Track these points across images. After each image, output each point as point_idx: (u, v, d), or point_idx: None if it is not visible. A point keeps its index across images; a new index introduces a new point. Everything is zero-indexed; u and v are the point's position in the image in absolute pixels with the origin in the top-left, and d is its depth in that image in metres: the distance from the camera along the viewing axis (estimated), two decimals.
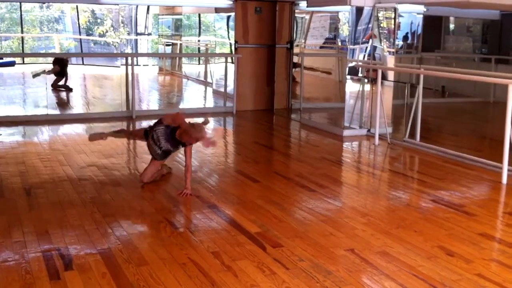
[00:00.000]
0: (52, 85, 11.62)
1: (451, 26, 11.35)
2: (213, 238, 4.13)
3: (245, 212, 4.73)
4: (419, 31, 8.35)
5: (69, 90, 11.93)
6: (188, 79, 14.25)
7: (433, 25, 9.86)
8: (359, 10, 8.18)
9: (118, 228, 4.30)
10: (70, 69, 12.17)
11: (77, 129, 8.37)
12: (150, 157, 6.52)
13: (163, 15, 15.53)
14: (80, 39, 15.14)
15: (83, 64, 14.18)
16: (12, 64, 13.30)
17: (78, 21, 14.66)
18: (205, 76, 13.22)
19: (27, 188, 5.32)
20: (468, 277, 3.55)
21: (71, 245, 3.96)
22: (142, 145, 7.49)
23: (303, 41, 10.60)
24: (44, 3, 14.12)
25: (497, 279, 3.53)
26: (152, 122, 5.92)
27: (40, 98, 10.58)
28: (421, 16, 8.24)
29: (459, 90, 10.43)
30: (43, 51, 15.24)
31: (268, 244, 4.02)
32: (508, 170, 5.78)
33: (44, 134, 8.05)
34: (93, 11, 14.94)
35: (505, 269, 3.68)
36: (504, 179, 5.75)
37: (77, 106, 11.21)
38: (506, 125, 5.73)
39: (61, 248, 3.89)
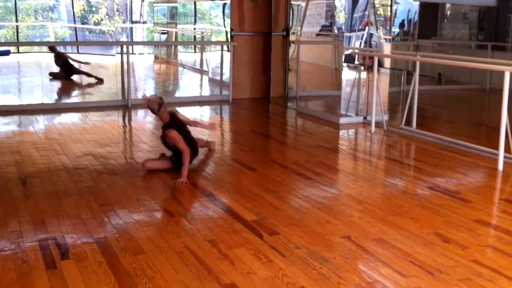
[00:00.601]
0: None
1: (448, 13, 11.33)
2: (210, 227, 4.13)
3: (242, 200, 4.73)
4: (416, 18, 8.32)
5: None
6: (184, 68, 14.22)
7: (429, 12, 9.83)
8: None
9: (114, 217, 4.30)
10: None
11: (73, 118, 8.34)
12: (145, 146, 6.52)
13: (158, 3, 15.47)
14: (75, 27, 15.07)
15: (78, 52, 14.11)
16: (7, 53, 13.24)
17: (73, 9, 14.60)
18: (201, 64, 13.19)
19: (23, 177, 5.31)
20: (464, 263, 3.56)
21: (67, 234, 3.95)
22: (138, 134, 7.50)
23: (299, 28, 10.57)
24: None
25: (493, 265, 3.54)
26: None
27: (35, 87, 10.54)
28: (418, 3, 8.21)
29: (456, 77, 10.44)
30: (38, 40, 15.18)
31: (264, 232, 4.03)
32: (504, 157, 5.79)
33: (40, 123, 8.02)
34: (88, 0, 14.86)
35: (501, 255, 3.69)
36: (500, 166, 5.76)
37: (73, 95, 11.16)
38: (502, 112, 5.73)
39: (57, 237, 3.89)
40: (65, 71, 11.80)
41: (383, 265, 3.53)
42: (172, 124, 5.62)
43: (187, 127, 5.79)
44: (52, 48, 12.02)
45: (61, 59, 11.82)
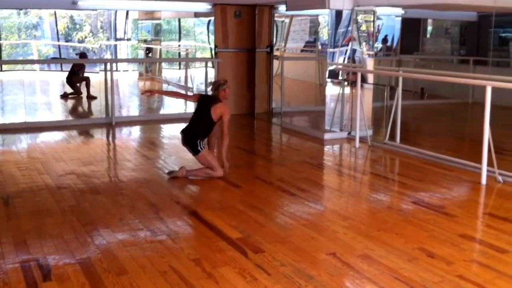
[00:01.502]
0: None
1: (429, 28, 11.45)
2: (194, 245, 4.10)
3: (226, 218, 4.70)
4: (398, 33, 8.40)
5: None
6: (168, 84, 14.19)
7: (411, 27, 9.93)
8: (338, 13, 8.20)
9: (97, 237, 4.25)
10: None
11: (56, 137, 8.28)
12: (129, 164, 6.51)
13: (142, 20, 15.47)
14: (59, 45, 15.01)
15: (61, 70, 14.05)
16: None
17: (57, 27, 14.55)
18: (186, 81, 13.18)
19: (5, 197, 5.24)
20: (449, 278, 3.56)
21: (49, 255, 3.90)
22: (122, 152, 7.45)
23: (283, 44, 10.62)
24: (21, 9, 13.97)
25: (478, 280, 3.54)
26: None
27: (18, 106, 10.45)
28: (400, 18, 8.29)
29: (438, 92, 10.53)
30: (21, 58, 15.09)
31: (249, 249, 4.00)
32: (487, 171, 5.82)
33: (22, 142, 7.95)
34: (71, 17, 14.83)
35: (485, 270, 3.70)
36: (483, 180, 5.79)
37: (56, 113, 11.08)
38: (485, 125, 5.78)
39: (39, 258, 3.83)
40: (69, 79, 11.82)
41: (368, 281, 3.51)
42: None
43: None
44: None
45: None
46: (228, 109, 6.00)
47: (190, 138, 5.96)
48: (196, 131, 5.98)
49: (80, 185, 5.67)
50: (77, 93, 11.92)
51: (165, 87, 14.19)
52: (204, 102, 6.02)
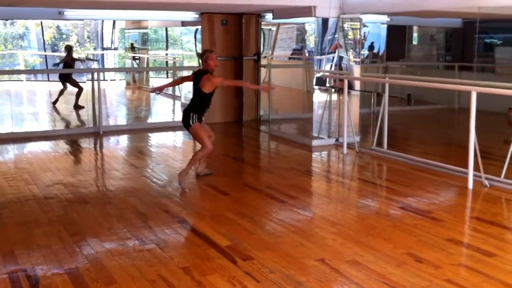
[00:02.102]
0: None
1: (415, 35, 11.54)
2: (183, 253, 4.09)
3: (215, 226, 4.70)
4: (384, 40, 8.46)
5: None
6: (156, 93, 14.16)
7: (397, 34, 10.00)
8: (324, 21, 8.26)
9: (85, 247, 4.23)
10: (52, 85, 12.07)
11: (43, 147, 8.23)
12: (116, 173, 6.49)
13: (129, 29, 15.46)
14: (45, 55, 14.96)
15: (48, 80, 14.00)
16: None
17: (43, 37, 14.50)
18: (173, 90, 13.17)
19: None
20: (437, 283, 3.58)
21: (37, 265, 3.88)
22: (109, 161, 7.43)
23: (270, 52, 10.65)
24: (7, 20, 13.92)
25: (466, 284, 3.57)
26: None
27: (5, 116, 10.39)
28: (385, 26, 8.36)
29: (424, 98, 10.59)
30: (8, 68, 15.01)
31: (238, 257, 4.00)
32: (474, 175, 5.87)
33: (9, 152, 7.90)
34: (58, 27, 14.79)
35: (473, 274, 3.73)
36: (470, 184, 5.84)
37: (43, 123, 11.03)
38: (471, 131, 5.83)
39: (27, 269, 3.81)
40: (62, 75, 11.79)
41: (357, 287, 3.53)
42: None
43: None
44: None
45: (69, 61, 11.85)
46: (216, 78, 5.98)
47: (184, 114, 6.00)
48: (190, 106, 6.03)
49: (67, 195, 5.64)
50: (78, 88, 11.82)
51: (152, 96, 14.17)
52: (196, 77, 6.02)
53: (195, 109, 5.99)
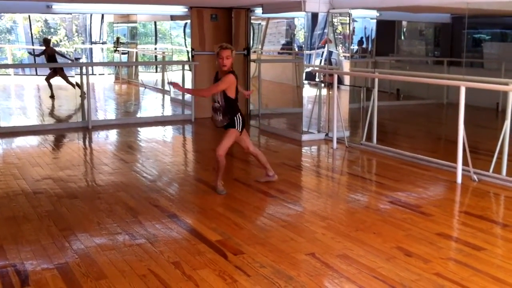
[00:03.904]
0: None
1: (404, 30, 11.57)
2: (173, 248, 4.09)
3: (206, 221, 4.70)
4: (373, 35, 8.48)
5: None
6: (145, 88, 14.13)
7: (386, 29, 10.02)
8: (314, 16, 8.26)
9: (75, 242, 4.22)
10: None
11: (32, 142, 8.18)
12: (106, 168, 6.46)
13: (118, 23, 15.37)
14: (33, 49, 14.83)
15: (36, 74, 13.89)
16: None
17: (31, 31, 14.36)
18: (163, 84, 13.14)
19: None
20: (426, 276, 3.60)
21: (27, 260, 3.86)
22: (99, 156, 7.39)
23: (260, 47, 10.65)
24: None
25: (455, 277, 3.59)
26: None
27: None
28: (375, 21, 8.37)
29: (413, 93, 10.64)
30: None
31: (229, 251, 4.00)
32: (462, 170, 5.91)
33: None
34: (46, 21, 14.66)
35: (462, 268, 3.76)
36: (459, 179, 5.88)
37: (31, 117, 10.96)
38: (459, 125, 5.86)
39: (16, 264, 3.79)
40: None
41: (347, 281, 3.54)
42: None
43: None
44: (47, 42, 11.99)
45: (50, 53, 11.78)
46: (227, 78, 5.34)
47: (228, 120, 5.51)
48: (227, 113, 5.49)
49: (57, 189, 5.62)
50: (70, 84, 11.76)
51: (141, 90, 14.12)
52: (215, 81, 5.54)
53: (239, 114, 5.55)
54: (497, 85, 6.33)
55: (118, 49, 15.01)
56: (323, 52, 8.53)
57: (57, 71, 11.77)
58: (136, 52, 14.80)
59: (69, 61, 12.81)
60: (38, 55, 12.48)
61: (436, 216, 4.83)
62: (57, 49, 12.61)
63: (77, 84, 11.50)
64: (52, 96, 11.91)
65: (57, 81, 11.82)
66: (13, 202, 5.20)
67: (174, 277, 3.58)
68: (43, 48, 12.11)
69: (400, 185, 5.83)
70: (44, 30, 14.79)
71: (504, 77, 8.77)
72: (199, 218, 4.81)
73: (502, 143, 5.88)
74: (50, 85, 11.79)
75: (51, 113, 11.50)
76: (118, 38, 15.09)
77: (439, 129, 9.35)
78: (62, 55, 12.81)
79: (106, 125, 9.45)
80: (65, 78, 11.66)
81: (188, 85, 10.26)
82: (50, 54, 11.87)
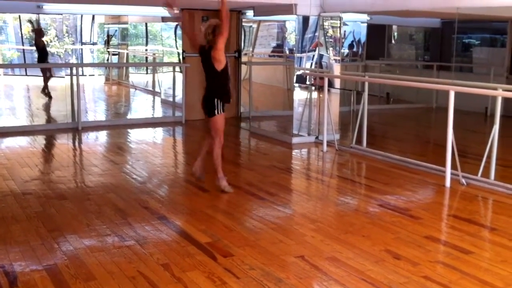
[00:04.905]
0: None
1: (395, 34, 11.64)
2: (163, 250, 4.08)
3: (195, 222, 4.70)
4: (364, 39, 8.52)
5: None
6: (135, 89, 14.09)
7: (377, 33, 10.08)
8: (305, 19, 8.29)
9: (64, 243, 4.20)
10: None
11: (21, 142, 8.14)
12: (95, 169, 6.45)
13: (108, 24, 15.33)
14: (23, 49, 14.75)
15: (26, 75, 13.81)
16: None
17: (21, 31, 14.28)
18: (153, 86, 13.11)
19: None
20: (415, 279, 3.63)
21: (15, 261, 3.84)
22: (88, 157, 7.37)
23: (251, 49, 10.66)
24: None
25: (443, 280, 3.62)
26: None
27: None
28: (365, 24, 8.42)
29: (403, 97, 10.71)
30: None
31: (218, 253, 4.01)
32: (451, 174, 5.95)
33: None
34: (36, 21, 14.59)
35: (450, 271, 3.78)
36: (447, 182, 5.92)
37: (21, 118, 10.91)
38: (448, 129, 5.90)
39: (5, 265, 3.77)
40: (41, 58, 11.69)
41: (336, 283, 3.56)
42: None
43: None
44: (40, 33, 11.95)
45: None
46: (218, 42, 5.31)
47: (208, 102, 5.48)
48: (210, 92, 5.46)
49: (46, 191, 5.59)
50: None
51: (132, 92, 14.09)
52: (205, 55, 5.48)
53: (217, 94, 5.42)
54: (486, 89, 6.38)
55: (109, 47, 14.97)
56: (313, 55, 8.56)
57: (47, 71, 11.74)
58: (127, 53, 14.76)
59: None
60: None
61: (425, 219, 4.86)
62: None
63: (48, 93, 11.58)
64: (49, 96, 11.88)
65: (40, 81, 11.81)
66: (2, 203, 5.18)
67: (163, 279, 3.58)
68: (34, 43, 12.04)
69: (389, 188, 5.86)
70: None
71: (493, 81, 8.85)
72: (188, 220, 4.81)
73: (491, 147, 5.93)
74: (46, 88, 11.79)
75: (40, 114, 11.44)
76: (108, 36, 15.06)
77: (428, 133, 9.41)
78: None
79: (96, 126, 9.41)
80: (47, 80, 11.67)
81: (179, 87, 10.24)
82: (42, 47, 11.81)
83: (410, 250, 4.12)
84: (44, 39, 12.54)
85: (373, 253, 4.05)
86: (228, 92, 5.51)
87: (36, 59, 12.16)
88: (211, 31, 5.38)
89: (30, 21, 12.25)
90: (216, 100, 5.44)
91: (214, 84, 5.49)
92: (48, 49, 13.69)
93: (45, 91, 11.67)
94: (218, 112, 5.47)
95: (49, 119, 10.81)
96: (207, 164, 5.82)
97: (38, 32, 12.13)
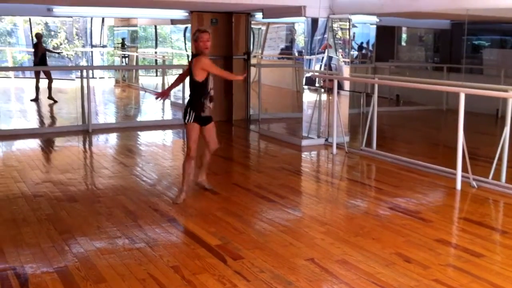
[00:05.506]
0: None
1: (404, 36, 11.61)
2: (173, 252, 4.09)
3: (205, 225, 4.71)
4: (373, 41, 8.50)
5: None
6: (145, 91, 14.14)
7: (386, 35, 10.05)
8: (314, 21, 8.28)
9: (75, 245, 4.22)
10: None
11: (32, 145, 8.19)
12: (106, 171, 6.46)
13: (118, 27, 15.40)
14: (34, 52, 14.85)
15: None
16: None
17: (31, 34, 14.39)
18: (163, 88, 13.14)
19: None
20: (425, 283, 3.61)
21: (26, 264, 3.86)
22: (98, 159, 7.40)
23: (260, 52, 10.67)
24: None
25: (454, 284, 3.60)
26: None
27: None
28: (375, 26, 8.40)
29: (413, 99, 10.66)
30: None
31: (228, 256, 4.01)
32: (462, 176, 5.92)
33: None
34: (46, 24, 14.69)
35: (461, 274, 3.76)
36: (458, 185, 5.89)
37: (31, 120, 10.97)
38: (459, 132, 5.88)
39: (16, 267, 3.79)
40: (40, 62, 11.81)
41: (346, 286, 3.55)
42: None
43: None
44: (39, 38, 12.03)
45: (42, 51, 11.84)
46: (206, 59, 5.26)
47: (184, 110, 5.45)
48: (188, 101, 5.44)
49: (56, 193, 5.62)
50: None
51: (141, 94, 14.14)
52: (191, 62, 5.41)
53: (191, 104, 5.35)
54: (496, 91, 6.35)
55: (123, 51, 15.06)
56: (323, 57, 8.55)
57: (45, 73, 11.83)
58: (137, 56, 14.83)
59: (56, 55, 12.85)
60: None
61: (436, 222, 4.84)
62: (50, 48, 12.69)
63: (52, 98, 11.67)
64: (35, 99, 11.98)
65: (55, 84, 11.88)
66: (13, 205, 5.21)
67: (174, 282, 3.59)
68: (35, 43, 12.13)
69: (400, 191, 5.84)
70: (44, 33, 14.82)
71: (503, 83, 8.80)
72: (198, 222, 4.82)
73: (502, 149, 5.90)
74: (37, 89, 11.87)
75: (51, 116, 11.51)
76: (123, 40, 15.15)
77: (439, 135, 9.37)
78: (51, 50, 12.85)
79: (106, 129, 9.46)
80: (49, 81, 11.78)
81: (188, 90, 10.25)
82: (42, 53, 11.90)
83: (420, 253, 4.11)
84: (55, 41, 12.65)
85: (383, 256, 4.04)
86: (202, 106, 5.33)
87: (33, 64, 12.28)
88: (194, 38, 5.34)
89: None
90: (189, 108, 5.36)
91: (191, 92, 5.43)
92: (58, 51, 13.80)
93: (51, 95, 11.79)
94: (187, 121, 5.36)
95: (53, 121, 10.90)
96: (213, 166, 5.79)
97: (40, 36, 12.23)
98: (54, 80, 11.93)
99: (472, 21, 7.11)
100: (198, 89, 5.35)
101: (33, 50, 12.28)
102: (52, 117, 11.42)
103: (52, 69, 11.94)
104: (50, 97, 11.86)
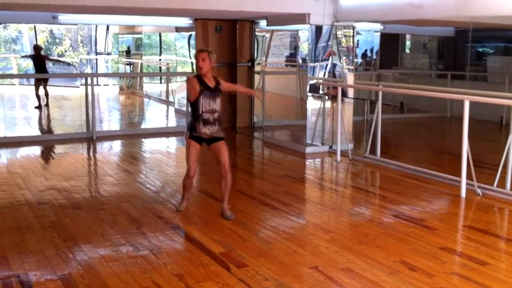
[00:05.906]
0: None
1: (408, 43, 11.61)
2: (177, 260, 4.08)
3: (209, 232, 4.70)
4: (377, 48, 8.51)
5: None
6: (149, 99, 14.17)
7: (390, 42, 10.06)
8: (318, 29, 8.29)
9: (79, 253, 4.22)
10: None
11: (36, 152, 8.21)
12: (110, 178, 6.46)
13: (123, 34, 15.46)
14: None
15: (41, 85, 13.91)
16: None
17: (36, 41, 14.46)
18: (167, 95, 13.18)
19: None
20: None
21: (30, 271, 3.86)
22: (103, 166, 7.41)
23: (264, 59, 10.68)
24: (0, 23, 13.88)
25: None
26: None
27: None
28: (379, 34, 8.40)
29: (417, 106, 10.65)
30: (0, 72, 14.96)
31: (232, 264, 4.00)
32: (466, 184, 5.90)
33: (2, 157, 7.86)
34: (51, 31, 14.76)
35: (466, 282, 3.74)
36: (463, 193, 5.87)
37: (36, 127, 11.00)
38: (463, 139, 5.86)
39: (20, 275, 3.79)
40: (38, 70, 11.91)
41: None
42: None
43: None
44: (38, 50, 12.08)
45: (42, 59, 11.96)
46: (190, 80, 5.05)
47: (222, 129, 5.27)
48: (221, 123, 5.26)
49: (61, 200, 5.62)
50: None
51: (146, 101, 14.18)
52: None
53: (190, 122, 5.20)
54: (501, 99, 6.33)
55: (128, 58, 15.13)
56: (327, 65, 8.55)
57: (41, 81, 11.89)
58: (141, 63, 14.87)
59: (61, 63, 12.93)
60: (24, 56, 12.61)
61: (440, 230, 4.82)
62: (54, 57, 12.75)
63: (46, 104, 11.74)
64: (39, 107, 12.03)
65: (55, 91, 11.93)
66: (17, 212, 5.21)
67: None
68: (33, 54, 12.20)
69: (404, 199, 5.82)
70: (49, 40, 14.89)
71: (508, 91, 8.78)
72: (202, 230, 4.81)
73: (507, 157, 5.88)
74: (38, 97, 11.92)
75: (55, 124, 11.54)
76: (129, 48, 15.22)
77: (443, 142, 9.35)
78: (53, 59, 12.91)
79: (110, 136, 9.47)
80: (46, 89, 11.83)
81: None
82: (39, 62, 11.98)
83: (425, 261, 4.09)
84: (60, 48, 12.71)
85: (388, 264, 4.02)
86: (195, 127, 5.08)
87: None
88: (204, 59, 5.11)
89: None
90: (188, 124, 5.24)
91: (191, 113, 5.22)
92: (63, 59, 13.86)
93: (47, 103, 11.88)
94: (185, 136, 5.22)
95: (49, 129, 10.95)
96: (217, 173, 5.70)
97: (40, 49, 12.30)
98: (58, 87, 11.98)
99: (477, 29, 7.11)
100: (191, 108, 5.16)
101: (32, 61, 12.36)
102: (53, 125, 11.43)
103: (56, 76, 11.98)
104: (47, 104, 11.95)
